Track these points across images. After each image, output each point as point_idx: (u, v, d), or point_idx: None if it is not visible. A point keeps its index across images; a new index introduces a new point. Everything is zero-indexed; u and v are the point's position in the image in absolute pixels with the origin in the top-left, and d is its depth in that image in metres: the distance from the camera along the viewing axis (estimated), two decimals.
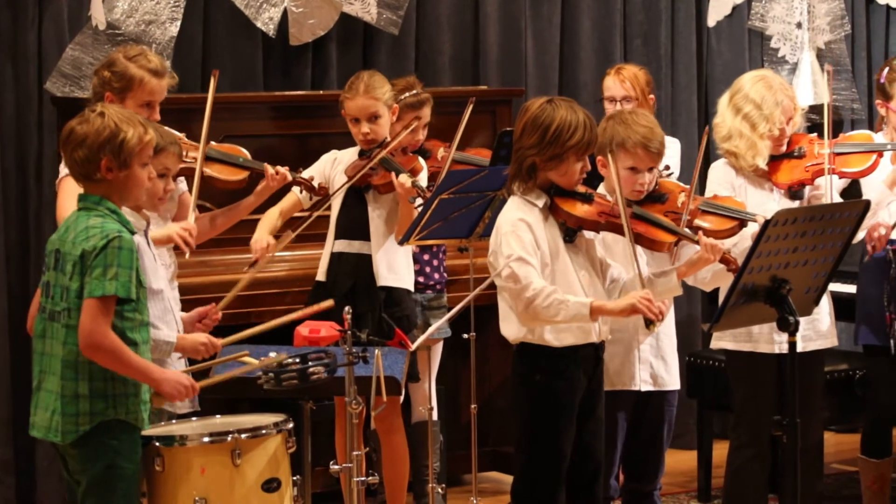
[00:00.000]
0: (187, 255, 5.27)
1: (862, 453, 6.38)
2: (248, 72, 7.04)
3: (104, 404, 4.28)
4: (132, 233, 4.36)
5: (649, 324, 4.79)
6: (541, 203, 4.85)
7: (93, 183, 4.35)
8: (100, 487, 4.31)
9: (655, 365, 5.43)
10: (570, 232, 4.90)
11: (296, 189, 5.85)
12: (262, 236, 5.79)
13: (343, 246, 5.85)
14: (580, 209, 4.89)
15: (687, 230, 5.15)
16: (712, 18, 8.15)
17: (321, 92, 7.08)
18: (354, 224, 5.83)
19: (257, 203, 5.65)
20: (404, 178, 5.70)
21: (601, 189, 5.27)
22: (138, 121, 4.38)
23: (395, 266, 5.83)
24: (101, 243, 4.23)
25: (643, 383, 5.42)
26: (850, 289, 6.46)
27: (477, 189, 5.58)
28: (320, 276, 5.86)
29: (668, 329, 5.52)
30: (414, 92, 6.16)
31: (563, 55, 7.79)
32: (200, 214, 5.52)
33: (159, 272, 4.79)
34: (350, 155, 5.92)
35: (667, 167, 5.71)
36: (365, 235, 5.82)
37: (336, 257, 5.85)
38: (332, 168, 5.94)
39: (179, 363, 4.83)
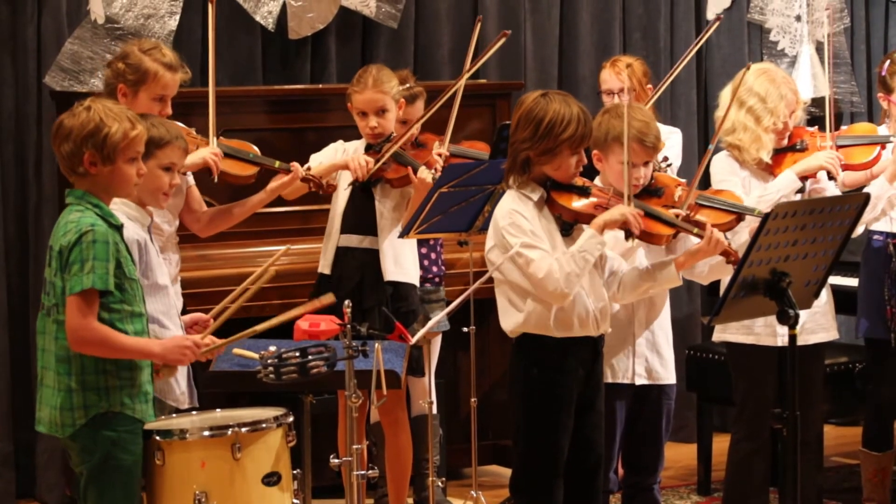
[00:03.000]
0: (216, 179, 5.40)
1: (863, 446, 6.39)
2: (247, 65, 7.04)
3: (97, 397, 4.29)
4: (119, 226, 4.35)
5: (629, 236, 4.86)
6: (536, 196, 4.85)
7: (78, 177, 4.36)
8: (99, 479, 4.32)
9: (650, 359, 5.44)
10: (567, 225, 4.89)
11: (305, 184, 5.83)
12: (355, 156, 5.75)
13: (349, 240, 5.83)
14: (576, 203, 4.88)
15: (685, 223, 5.14)
16: (711, 11, 8.14)
17: (320, 86, 7.08)
18: (361, 218, 5.82)
19: (268, 200, 5.65)
20: (424, 173, 5.70)
21: (597, 182, 5.26)
22: (127, 116, 4.36)
23: (401, 261, 5.82)
24: (74, 238, 4.24)
25: (638, 377, 5.42)
26: (851, 282, 6.46)
27: (476, 183, 5.58)
28: (324, 269, 5.84)
29: (663, 323, 5.52)
30: (407, 86, 6.16)
31: (562, 48, 7.79)
32: (210, 209, 5.53)
33: (164, 268, 4.78)
34: (356, 147, 5.91)
35: (665, 158, 5.70)
36: (372, 230, 5.81)
37: (342, 252, 5.83)
38: (341, 157, 5.92)
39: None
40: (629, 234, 4.88)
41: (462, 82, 5.94)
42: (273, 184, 5.63)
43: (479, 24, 6.09)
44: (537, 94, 4.86)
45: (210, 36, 5.68)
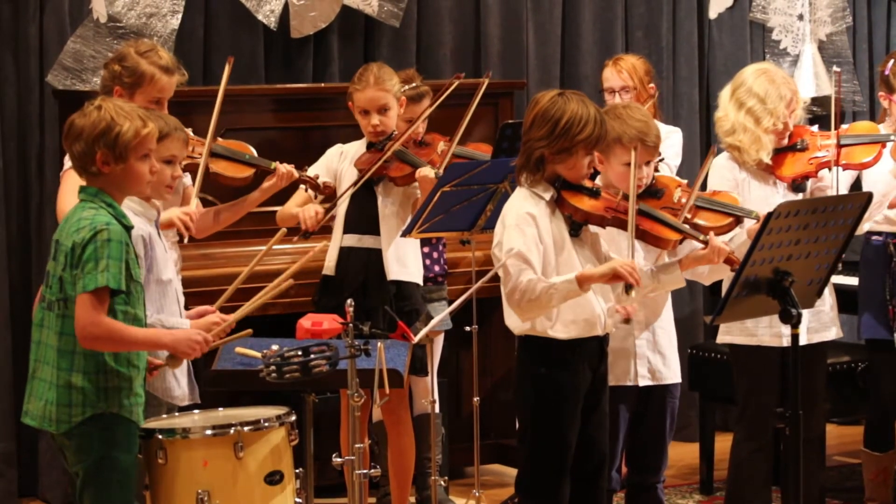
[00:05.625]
0: (185, 240, 5.26)
1: (865, 446, 6.38)
2: (249, 64, 7.03)
3: (96, 397, 4.29)
4: (129, 227, 4.35)
5: (629, 289, 4.78)
6: (547, 196, 4.85)
7: (91, 176, 4.36)
8: (96, 479, 4.32)
9: (653, 360, 5.44)
10: (576, 226, 4.89)
11: (303, 186, 5.83)
12: (305, 207, 5.73)
13: (352, 240, 5.83)
14: (587, 203, 4.88)
15: (691, 229, 5.14)
16: (714, 10, 8.15)
17: (322, 84, 7.08)
18: (364, 218, 5.81)
19: (262, 199, 5.63)
20: (428, 171, 5.69)
21: (598, 182, 5.26)
22: (138, 114, 4.37)
23: (404, 260, 5.82)
24: (88, 235, 4.24)
25: (641, 378, 5.42)
26: (853, 280, 6.45)
27: (479, 182, 5.58)
28: (328, 270, 5.84)
29: (665, 323, 5.52)
30: (413, 85, 6.15)
31: (564, 47, 7.78)
32: (205, 209, 5.52)
33: (169, 263, 4.78)
34: (357, 148, 5.91)
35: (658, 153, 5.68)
36: (374, 230, 5.80)
37: (346, 252, 5.83)
38: (339, 162, 5.92)
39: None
40: (629, 288, 4.80)
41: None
42: (267, 183, 5.62)
43: (480, 88, 6.03)
44: (554, 94, 4.86)
45: (219, 96, 5.62)
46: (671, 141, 6.38)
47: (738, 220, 5.33)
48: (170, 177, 4.76)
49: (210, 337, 4.48)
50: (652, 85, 6.56)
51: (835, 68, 6.39)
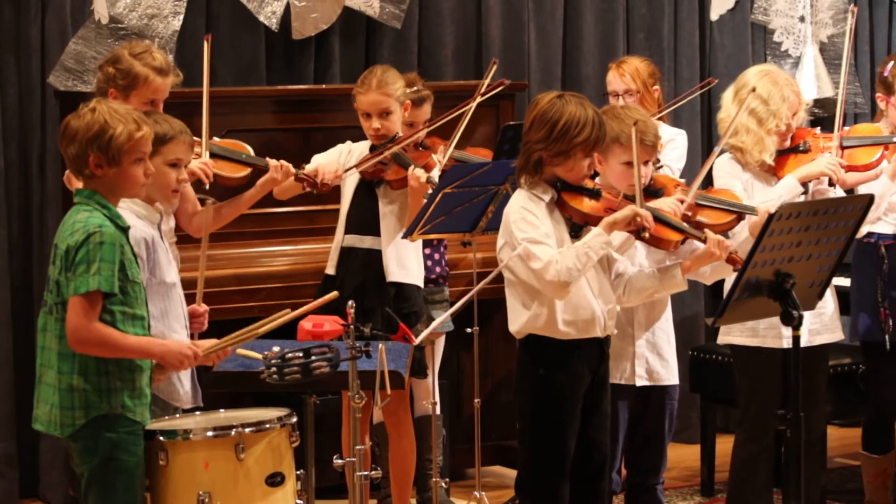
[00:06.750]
0: (207, 186, 5.31)
1: (863, 449, 6.38)
2: (250, 66, 7.04)
3: (98, 398, 4.28)
4: (125, 228, 4.34)
5: (641, 232, 4.87)
6: (547, 198, 4.85)
7: (85, 178, 4.35)
8: (100, 480, 4.32)
9: (651, 360, 5.45)
10: (576, 227, 4.89)
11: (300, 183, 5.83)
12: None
13: (353, 241, 5.84)
14: (586, 205, 4.88)
15: (693, 229, 5.14)
16: (715, 12, 8.15)
17: (324, 86, 7.08)
18: (365, 219, 5.82)
19: (259, 196, 5.64)
20: (419, 173, 5.69)
21: (597, 182, 5.26)
22: (132, 117, 4.34)
23: (404, 262, 5.82)
24: (81, 238, 4.23)
25: (638, 378, 5.43)
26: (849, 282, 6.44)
27: (480, 183, 5.58)
28: (329, 269, 5.85)
29: (664, 325, 5.53)
30: (415, 88, 6.15)
31: (565, 49, 7.79)
32: (204, 207, 5.52)
33: (172, 265, 4.77)
34: (362, 148, 5.91)
35: (656, 160, 5.69)
36: (375, 231, 5.81)
37: (346, 252, 5.83)
38: (346, 158, 5.92)
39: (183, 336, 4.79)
40: (640, 233, 4.86)
41: (472, 105, 5.94)
42: (265, 178, 5.62)
43: (493, 67, 6.03)
44: (553, 96, 4.85)
45: (205, 73, 5.63)
46: (675, 144, 6.37)
47: (739, 217, 5.33)
48: (175, 180, 4.73)
49: (200, 351, 4.47)
50: (657, 87, 6.53)
51: (852, 6, 6.33)
